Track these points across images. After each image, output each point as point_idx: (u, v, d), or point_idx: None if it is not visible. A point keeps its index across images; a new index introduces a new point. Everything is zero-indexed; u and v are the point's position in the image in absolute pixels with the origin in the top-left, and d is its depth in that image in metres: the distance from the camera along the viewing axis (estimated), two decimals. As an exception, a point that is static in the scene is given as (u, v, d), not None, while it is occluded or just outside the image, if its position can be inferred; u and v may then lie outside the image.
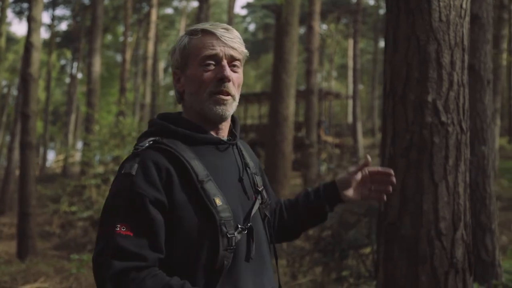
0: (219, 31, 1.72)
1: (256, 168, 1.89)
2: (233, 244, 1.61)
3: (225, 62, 1.71)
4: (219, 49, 1.71)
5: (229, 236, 1.60)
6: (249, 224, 1.69)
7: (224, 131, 1.79)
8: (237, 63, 1.75)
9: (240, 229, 1.65)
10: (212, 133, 1.76)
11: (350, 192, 2.01)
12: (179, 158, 1.61)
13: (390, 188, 2.00)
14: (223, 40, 1.71)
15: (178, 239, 1.59)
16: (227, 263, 1.60)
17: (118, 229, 1.53)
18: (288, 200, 2.11)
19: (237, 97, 1.77)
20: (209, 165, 1.66)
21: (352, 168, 2.02)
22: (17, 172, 16.64)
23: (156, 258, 1.55)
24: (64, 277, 7.73)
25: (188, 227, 1.59)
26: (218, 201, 1.61)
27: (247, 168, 1.82)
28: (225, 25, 1.76)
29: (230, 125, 1.85)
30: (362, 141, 28.31)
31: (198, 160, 1.64)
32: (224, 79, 1.70)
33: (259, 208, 1.79)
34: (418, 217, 3.20)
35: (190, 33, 1.75)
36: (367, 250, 6.94)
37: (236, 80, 1.75)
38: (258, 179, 1.85)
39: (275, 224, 2.05)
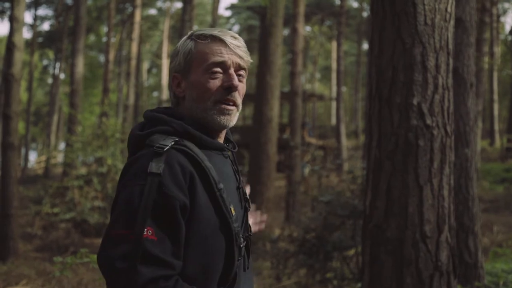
0: (228, 38, 1.67)
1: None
2: (242, 253, 1.62)
3: (232, 71, 1.67)
4: (227, 57, 1.66)
5: (241, 246, 1.60)
6: (249, 234, 1.69)
7: (221, 139, 1.76)
8: (242, 72, 1.72)
9: (242, 239, 1.64)
10: None
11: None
12: (200, 163, 1.56)
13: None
14: (232, 47, 1.67)
15: (193, 247, 1.54)
16: (238, 273, 1.60)
17: (146, 232, 1.44)
18: None
19: (240, 107, 1.73)
20: (219, 171, 1.62)
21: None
22: (-2, 173, 16.45)
23: (180, 266, 1.50)
24: (46, 280, 7.66)
25: (204, 235, 1.54)
26: (233, 211, 1.58)
27: (240, 176, 1.80)
28: (233, 33, 1.72)
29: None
30: (345, 142, 28.44)
31: (212, 166, 1.60)
32: (232, 88, 1.66)
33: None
34: (403, 219, 3.21)
35: (197, 38, 1.69)
36: (351, 252, 6.97)
37: (241, 89, 1.72)
38: (245, 187, 1.83)
39: None
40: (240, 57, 1.70)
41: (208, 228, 1.54)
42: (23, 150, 44.50)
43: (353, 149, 29.34)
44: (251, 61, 1.77)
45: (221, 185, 1.57)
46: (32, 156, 52.16)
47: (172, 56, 1.74)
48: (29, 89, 39.98)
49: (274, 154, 13.30)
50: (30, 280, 7.85)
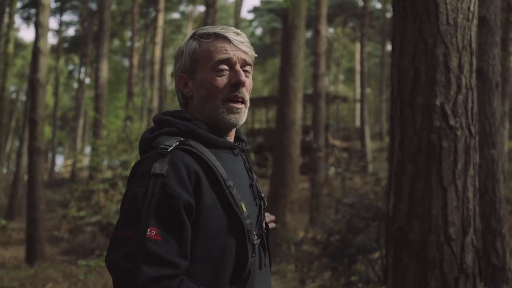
0: (231, 35, 1.68)
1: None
2: (256, 251, 1.60)
3: (238, 67, 1.67)
4: (232, 53, 1.66)
5: (254, 243, 1.59)
6: (264, 231, 1.68)
7: (231, 137, 1.76)
8: (248, 68, 1.72)
9: (256, 236, 1.62)
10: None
11: None
12: (206, 162, 1.56)
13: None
14: (235, 44, 1.67)
15: (203, 245, 1.53)
16: (252, 270, 1.58)
17: (149, 233, 1.45)
18: None
19: (248, 103, 1.74)
20: (228, 169, 1.62)
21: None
22: (25, 178, 16.70)
23: (186, 265, 1.49)
24: (72, 283, 7.73)
25: (214, 234, 1.54)
26: (244, 208, 1.58)
27: (253, 174, 1.79)
28: (235, 29, 1.72)
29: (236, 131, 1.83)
30: (370, 144, 28.24)
31: (220, 164, 1.60)
32: (239, 84, 1.67)
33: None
34: (427, 222, 3.17)
35: (200, 37, 1.69)
36: (376, 254, 6.91)
37: (248, 85, 1.72)
38: (258, 185, 1.82)
39: None
40: (245, 52, 1.70)
41: (218, 226, 1.54)
42: (50, 154, 45.11)
43: (377, 151, 29.14)
44: (256, 55, 1.76)
45: (230, 183, 1.57)
46: (59, 160, 52.84)
47: (177, 57, 1.75)
48: (55, 94, 40.50)
49: (298, 157, 13.26)
50: (56, 283, 7.94)
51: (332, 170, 19.13)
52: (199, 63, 1.68)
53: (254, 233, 1.62)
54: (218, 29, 1.69)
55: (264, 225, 1.77)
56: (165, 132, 1.64)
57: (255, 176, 1.81)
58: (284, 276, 8.57)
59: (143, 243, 1.44)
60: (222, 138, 1.70)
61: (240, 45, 1.68)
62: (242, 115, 1.70)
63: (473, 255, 3.18)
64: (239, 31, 1.73)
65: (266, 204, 1.82)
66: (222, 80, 1.66)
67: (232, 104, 1.67)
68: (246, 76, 1.70)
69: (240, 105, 1.68)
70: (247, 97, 1.71)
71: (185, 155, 1.56)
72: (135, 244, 1.45)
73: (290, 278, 8.39)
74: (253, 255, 1.59)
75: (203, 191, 1.53)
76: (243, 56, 1.69)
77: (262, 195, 1.79)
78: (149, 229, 1.45)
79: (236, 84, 1.67)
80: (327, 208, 14.96)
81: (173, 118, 1.68)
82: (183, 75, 1.72)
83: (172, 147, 1.55)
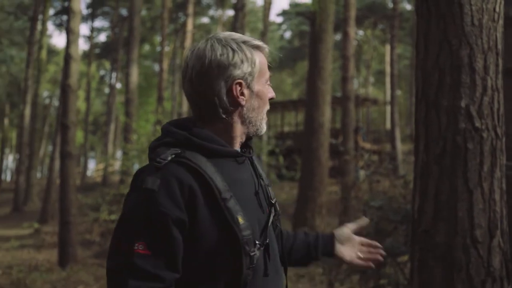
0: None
1: (267, 180, 1.86)
2: (254, 262, 1.60)
3: None
4: None
5: (251, 254, 1.58)
6: (267, 241, 1.67)
7: (238, 146, 1.78)
8: None
9: (258, 245, 1.62)
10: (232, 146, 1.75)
11: (344, 251, 2.01)
12: (202, 175, 1.57)
13: (380, 257, 2.05)
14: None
15: (198, 257, 1.56)
16: (248, 282, 1.58)
17: (137, 247, 1.50)
18: (286, 231, 2.04)
19: None
20: (228, 178, 1.62)
21: (352, 225, 2.05)
22: (58, 182, 17.01)
23: (173, 278, 1.53)
24: (102, 285, 7.85)
25: (209, 246, 1.56)
26: (241, 220, 1.58)
27: (261, 180, 1.79)
28: None
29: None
30: (400, 147, 28.00)
31: (219, 175, 1.60)
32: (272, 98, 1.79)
33: (272, 220, 1.75)
34: (452, 224, 3.14)
35: (254, 47, 1.71)
36: (405, 258, 6.85)
37: None
38: (271, 191, 1.82)
39: None
40: None
41: (214, 238, 1.56)
42: (82, 159, 45.77)
43: (407, 153, 28.86)
44: None
45: (227, 194, 1.58)
46: (91, 165, 53.61)
47: (236, 63, 1.67)
48: (87, 99, 41.12)
49: (326, 160, 13.23)
50: (87, 285, 8.07)
51: (361, 173, 19.01)
52: (258, 75, 1.71)
53: (258, 242, 1.63)
54: (259, 41, 1.74)
55: (268, 232, 1.75)
56: (164, 143, 1.67)
57: (266, 182, 1.82)
58: (312, 279, 8.57)
59: (131, 257, 1.49)
60: (231, 145, 1.73)
61: None
62: None
63: (500, 258, 3.14)
64: None
65: (278, 209, 1.81)
66: (269, 94, 1.77)
67: (265, 115, 1.78)
68: None
69: None
70: None
71: (180, 168, 1.57)
72: (124, 257, 1.51)
73: (318, 281, 8.38)
74: (252, 265, 1.59)
75: (198, 205, 1.55)
76: None
77: (273, 201, 1.79)
78: (137, 244, 1.50)
79: (272, 98, 1.78)
80: (356, 211, 14.86)
81: (174, 127, 1.70)
82: (241, 82, 1.69)
83: (166, 161, 1.57)
